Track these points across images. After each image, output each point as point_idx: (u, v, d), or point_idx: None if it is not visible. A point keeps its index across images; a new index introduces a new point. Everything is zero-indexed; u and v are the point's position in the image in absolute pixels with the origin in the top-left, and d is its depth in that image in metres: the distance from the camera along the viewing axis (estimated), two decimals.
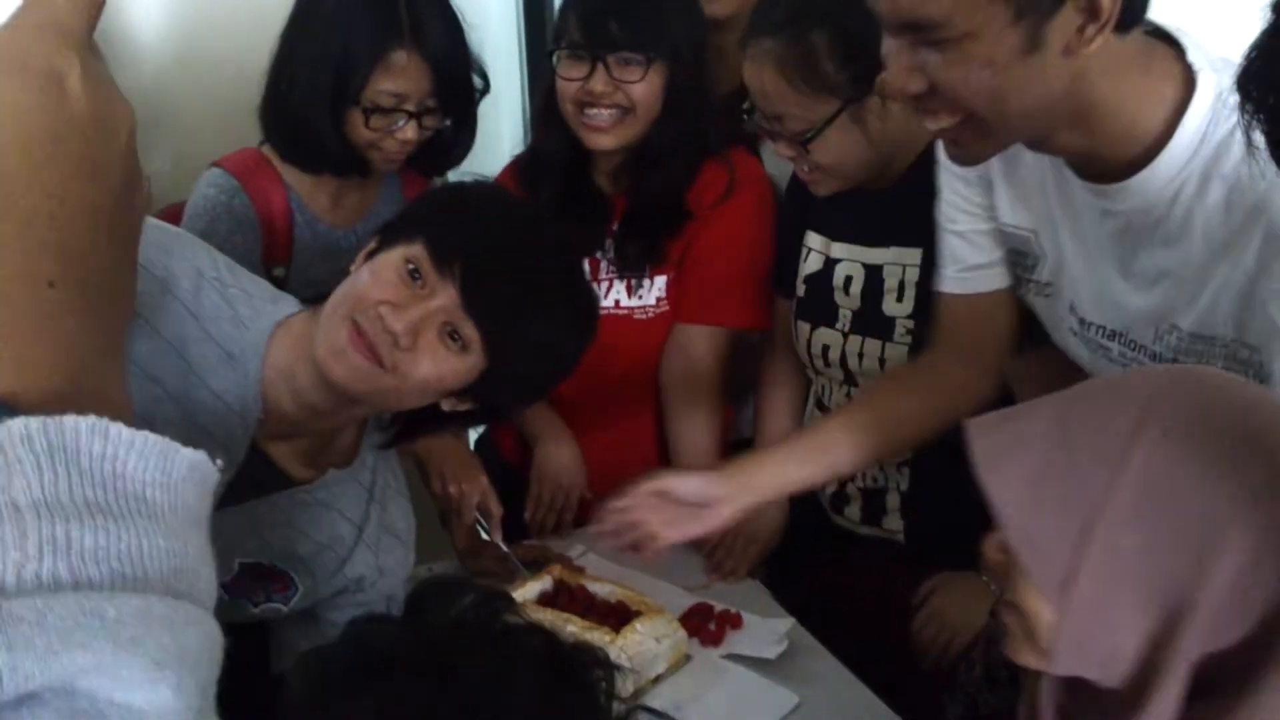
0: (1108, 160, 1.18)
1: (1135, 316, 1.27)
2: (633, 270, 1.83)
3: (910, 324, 1.66)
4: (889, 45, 1.14)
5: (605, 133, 1.73)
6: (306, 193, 1.77)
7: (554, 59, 1.75)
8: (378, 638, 0.81)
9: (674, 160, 1.78)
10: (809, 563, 1.86)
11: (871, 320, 1.70)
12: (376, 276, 1.16)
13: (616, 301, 1.86)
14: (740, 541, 1.83)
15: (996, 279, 1.43)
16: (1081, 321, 1.34)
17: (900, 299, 1.67)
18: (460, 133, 1.78)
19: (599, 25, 1.68)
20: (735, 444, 1.99)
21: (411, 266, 1.15)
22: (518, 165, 1.91)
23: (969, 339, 1.46)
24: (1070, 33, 1.06)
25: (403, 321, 1.12)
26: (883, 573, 1.78)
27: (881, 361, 1.69)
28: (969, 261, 1.44)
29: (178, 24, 2.48)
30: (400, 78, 1.63)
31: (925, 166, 1.63)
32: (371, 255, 1.20)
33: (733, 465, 1.49)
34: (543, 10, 3.40)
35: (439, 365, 1.15)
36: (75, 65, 0.48)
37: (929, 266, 1.63)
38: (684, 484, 1.43)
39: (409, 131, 1.66)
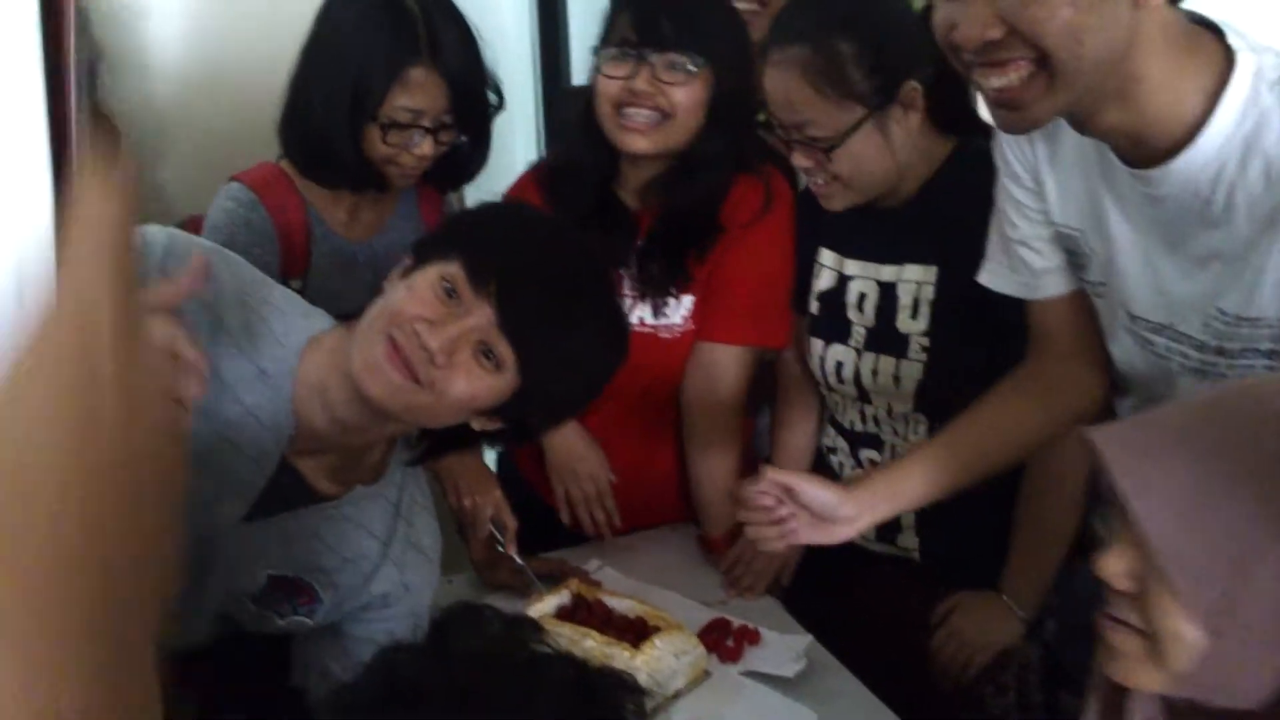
0: (1150, 141, 1.19)
1: (1183, 304, 1.27)
2: (658, 292, 1.82)
3: (925, 341, 1.66)
4: (953, 7, 1.15)
5: (642, 135, 1.72)
6: (323, 207, 1.79)
7: (597, 57, 1.75)
8: (405, 667, 0.80)
9: (710, 175, 1.78)
10: (823, 580, 1.85)
11: (885, 337, 1.69)
12: (413, 293, 1.16)
13: (640, 320, 1.85)
14: (759, 558, 1.82)
15: (1066, 282, 1.43)
16: (1131, 316, 1.35)
17: (915, 316, 1.67)
18: (475, 148, 1.79)
19: (651, 22, 1.69)
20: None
21: (448, 285, 1.16)
22: (541, 173, 1.91)
23: (1067, 340, 1.45)
24: None
25: (439, 339, 1.13)
26: (898, 591, 1.77)
27: (895, 379, 1.69)
28: (1035, 266, 1.44)
29: (199, 39, 2.50)
30: (417, 94, 1.64)
31: (938, 185, 1.65)
32: (408, 273, 1.21)
33: (860, 486, 1.48)
34: (557, 28, 3.42)
35: (473, 383, 1.16)
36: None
37: (945, 284, 1.64)
38: (814, 493, 1.42)
39: (425, 147, 1.68)
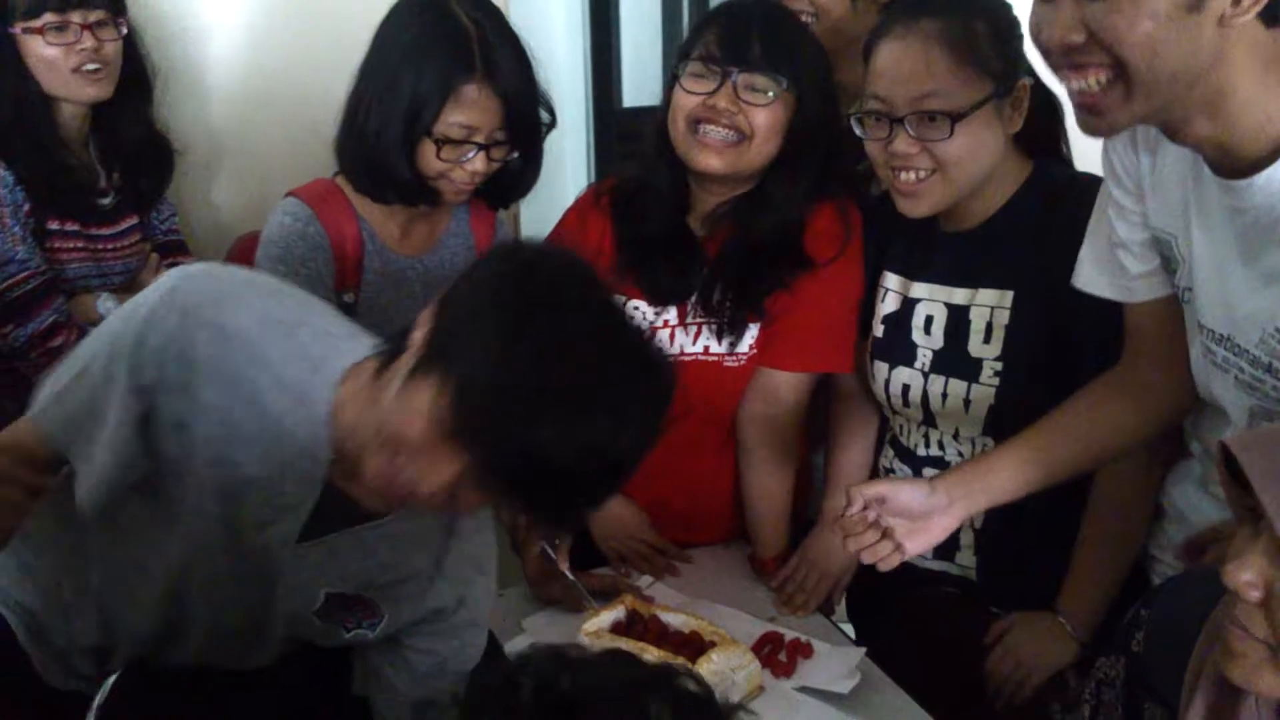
0: (1239, 155, 1.21)
1: (1245, 319, 1.28)
2: (729, 324, 1.81)
3: (998, 365, 1.64)
4: (1044, 9, 1.20)
5: (717, 154, 1.72)
6: (378, 223, 1.80)
7: (678, 72, 1.74)
8: None
9: (781, 209, 1.77)
10: (878, 600, 1.85)
11: (955, 361, 1.69)
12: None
13: (706, 348, 1.84)
14: (812, 574, 1.82)
15: (1161, 286, 1.45)
16: (1199, 324, 1.36)
17: (988, 340, 1.65)
18: (527, 165, 1.81)
19: (740, 40, 1.69)
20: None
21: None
22: (607, 194, 1.90)
23: (1161, 344, 1.46)
24: (1227, 2, 1.12)
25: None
26: (951, 611, 1.76)
27: (966, 403, 1.68)
28: (1132, 271, 1.45)
29: (258, 59, 2.54)
30: (471, 110, 1.66)
31: (1014, 209, 1.65)
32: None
33: (948, 474, 1.49)
34: (610, 49, 3.45)
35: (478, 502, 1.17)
36: None
37: (1020, 308, 1.63)
38: (905, 493, 1.43)
39: (478, 163, 1.69)
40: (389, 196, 1.77)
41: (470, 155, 1.68)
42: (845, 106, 1.78)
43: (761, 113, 1.70)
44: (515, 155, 1.74)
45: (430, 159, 1.68)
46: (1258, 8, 1.12)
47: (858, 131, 1.63)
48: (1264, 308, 1.26)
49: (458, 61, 1.65)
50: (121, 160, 2.16)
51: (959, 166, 1.57)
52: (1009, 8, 1.60)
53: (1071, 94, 1.22)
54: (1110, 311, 1.50)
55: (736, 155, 1.72)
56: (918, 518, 1.44)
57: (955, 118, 1.53)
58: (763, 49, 1.69)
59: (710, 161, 1.73)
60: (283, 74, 2.53)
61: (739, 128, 1.70)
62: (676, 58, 1.79)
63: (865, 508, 1.44)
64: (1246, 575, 0.92)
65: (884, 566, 1.47)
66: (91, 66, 2.07)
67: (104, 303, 2.09)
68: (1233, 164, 1.23)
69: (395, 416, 1.10)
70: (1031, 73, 1.61)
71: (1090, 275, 1.49)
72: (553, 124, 1.81)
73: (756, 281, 1.80)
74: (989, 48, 1.54)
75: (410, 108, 1.66)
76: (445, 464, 1.07)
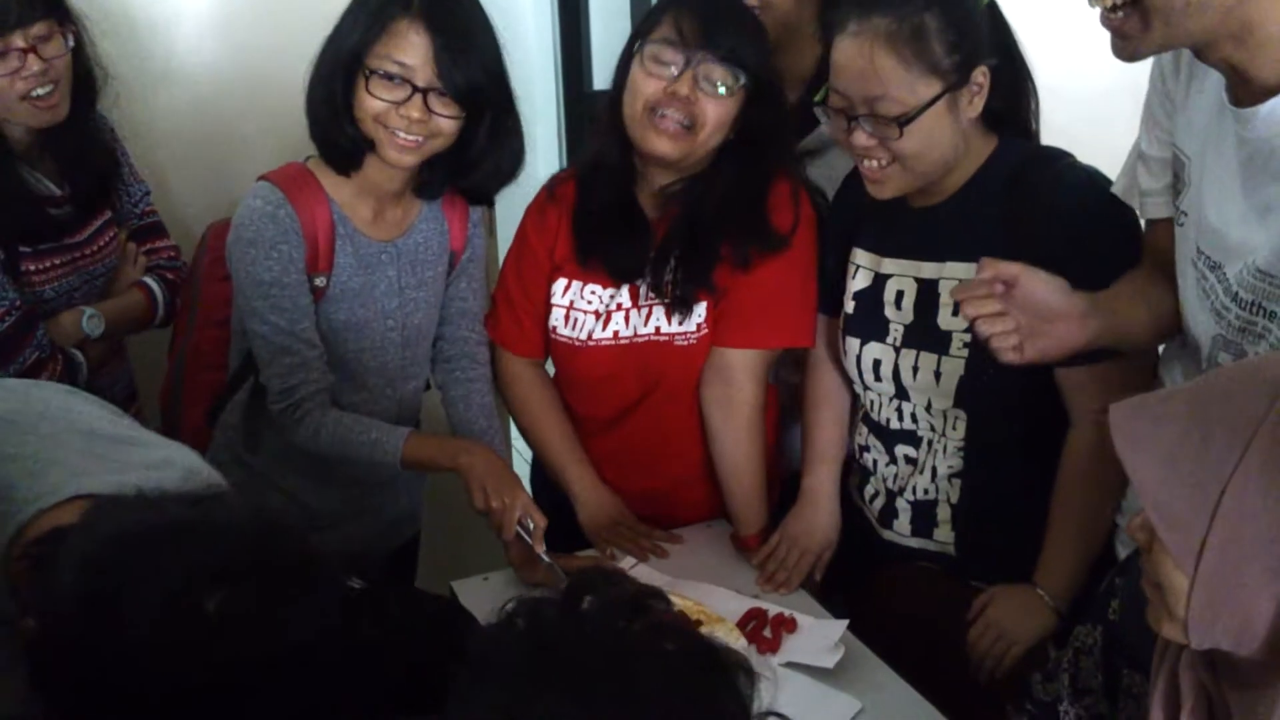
0: (1257, 84, 1.24)
1: (1234, 249, 1.32)
2: (678, 302, 1.84)
3: (967, 337, 1.66)
4: None
5: (671, 140, 1.73)
6: (349, 205, 1.81)
7: (636, 51, 1.74)
8: (546, 622, 0.87)
9: (738, 188, 1.79)
10: (859, 580, 1.86)
11: (925, 334, 1.71)
12: None
13: (657, 328, 1.87)
14: (793, 551, 1.84)
15: (1165, 208, 1.48)
16: (1197, 249, 1.39)
17: (957, 312, 1.66)
18: (492, 145, 1.79)
19: (706, 26, 1.69)
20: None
21: None
22: (577, 173, 1.92)
23: (1167, 261, 1.49)
24: None
25: None
26: (933, 586, 1.78)
27: (936, 375, 1.70)
28: (1143, 185, 1.49)
29: (227, 46, 2.52)
30: (403, 45, 1.65)
31: (980, 182, 1.66)
32: None
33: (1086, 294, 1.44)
34: (579, 34, 3.45)
35: None
36: None
37: None
38: (1039, 284, 1.38)
39: (414, 109, 1.66)
40: (337, 157, 1.76)
41: (405, 98, 1.66)
42: (787, 92, 1.82)
43: (713, 105, 1.72)
44: (463, 116, 1.72)
45: (365, 98, 1.67)
46: None
47: (821, 118, 1.65)
48: (1250, 241, 1.29)
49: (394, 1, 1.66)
50: (69, 165, 2.00)
51: (915, 158, 1.60)
52: None
53: (1100, 17, 1.26)
54: (1074, 285, 1.52)
55: (687, 143, 1.74)
56: (1045, 318, 1.38)
57: (903, 121, 1.55)
58: (727, 40, 1.70)
59: (664, 146, 1.74)
60: (254, 61, 2.52)
61: (693, 116, 1.72)
62: (633, 37, 1.78)
63: (994, 281, 1.38)
64: (1135, 521, 0.99)
65: (1004, 353, 1.39)
66: (42, 91, 1.86)
67: (89, 320, 1.99)
68: (1249, 92, 1.26)
69: None
70: (1003, 51, 1.63)
71: (1119, 182, 1.55)
72: (499, 94, 1.76)
73: (704, 258, 1.81)
74: (939, 44, 1.54)
75: (348, 49, 1.67)
76: None
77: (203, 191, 2.54)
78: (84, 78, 1.98)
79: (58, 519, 1.13)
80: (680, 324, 1.85)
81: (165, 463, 1.29)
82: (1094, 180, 1.63)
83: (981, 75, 1.58)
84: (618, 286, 1.87)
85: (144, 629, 0.92)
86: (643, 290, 1.86)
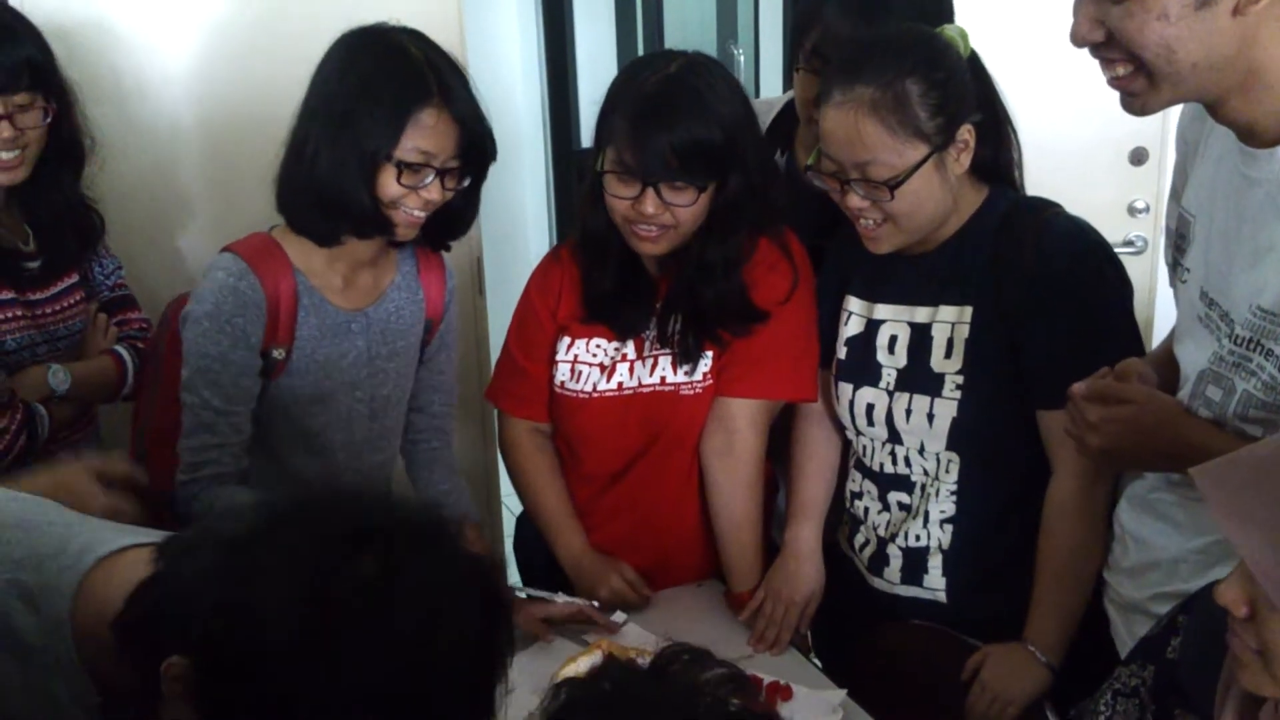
0: (1265, 131, 1.26)
1: (1238, 290, 1.32)
2: (684, 353, 1.84)
3: (960, 379, 1.68)
4: (1077, 3, 1.28)
5: (653, 243, 1.76)
6: (318, 274, 1.78)
7: (599, 162, 1.75)
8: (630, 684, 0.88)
9: (727, 265, 1.79)
10: (850, 632, 1.84)
11: (918, 377, 1.71)
12: None
13: (662, 378, 1.87)
14: (778, 606, 1.82)
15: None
16: (1205, 297, 1.39)
17: (949, 355, 1.69)
18: (467, 201, 1.80)
19: (652, 150, 1.68)
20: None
21: None
22: (575, 245, 1.91)
23: None
24: None
25: None
26: (927, 646, 1.76)
27: (930, 418, 1.70)
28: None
29: (198, 116, 2.52)
30: (430, 135, 1.66)
31: (971, 230, 1.69)
32: None
33: None
34: (566, 92, 3.48)
35: None
36: None
37: (979, 322, 1.66)
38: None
39: (434, 191, 1.69)
40: (342, 230, 1.74)
41: (427, 181, 1.68)
42: None
43: (684, 210, 1.72)
44: (467, 182, 1.74)
45: (389, 184, 1.67)
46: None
47: (815, 183, 1.67)
48: (1253, 281, 1.29)
49: (415, 88, 1.66)
50: (43, 227, 2.01)
51: (907, 217, 1.62)
52: (946, 51, 1.62)
53: (1106, 79, 1.29)
54: (1059, 330, 1.56)
55: (670, 238, 1.76)
56: None
57: (892, 185, 1.58)
58: (677, 155, 1.68)
59: (649, 248, 1.77)
60: (236, 128, 2.52)
61: (666, 224, 1.73)
62: (596, 133, 1.78)
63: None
64: (1232, 593, 0.96)
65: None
66: (7, 154, 1.88)
67: (55, 376, 1.98)
68: (1259, 139, 1.27)
69: None
70: (986, 103, 1.65)
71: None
72: (494, 155, 1.79)
73: (709, 312, 1.82)
74: (923, 109, 1.56)
75: (369, 137, 1.65)
76: None
77: (176, 261, 2.55)
78: (71, 146, 1.99)
79: (118, 574, 1.07)
80: (687, 374, 1.85)
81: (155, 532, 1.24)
82: (1080, 230, 1.66)
83: (967, 133, 1.61)
84: (623, 340, 1.88)
85: (294, 613, 0.89)
86: (648, 342, 1.87)
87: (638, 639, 1.79)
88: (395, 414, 1.92)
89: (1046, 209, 1.69)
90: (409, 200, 1.69)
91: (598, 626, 1.83)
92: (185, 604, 0.94)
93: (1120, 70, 1.26)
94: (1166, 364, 1.51)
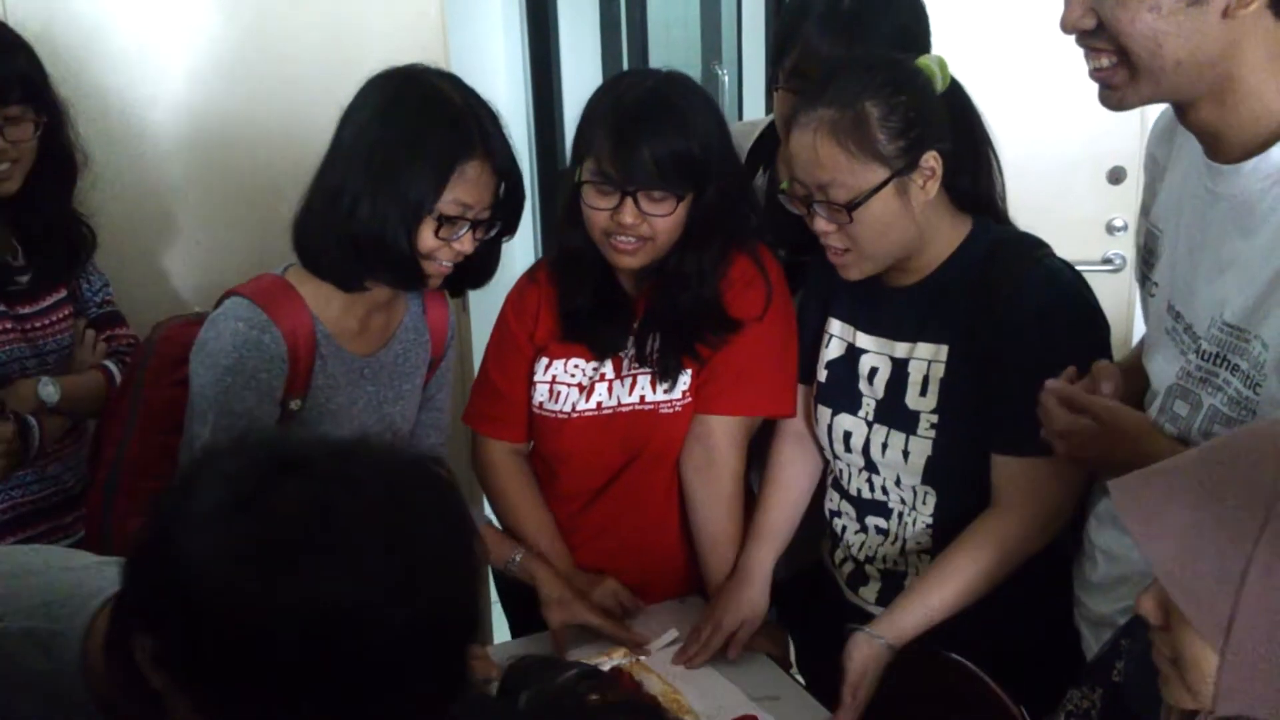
0: (1232, 143, 1.28)
1: (1202, 304, 1.34)
2: (663, 371, 1.85)
3: (935, 419, 1.67)
4: None
5: (631, 255, 1.76)
6: (334, 319, 1.73)
7: (576, 176, 1.76)
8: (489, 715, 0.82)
9: (701, 276, 1.80)
10: (834, 646, 1.85)
11: (895, 413, 1.71)
12: None
13: (642, 397, 1.87)
14: (707, 629, 1.83)
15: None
16: (1172, 311, 1.41)
17: (924, 393, 1.69)
18: (491, 248, 1.77)
19: (633, 159, 1.69)
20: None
21: None
22: (552, 265, 1.92)
23: None
24: None
25: None
26: (906, 659, 1.76)
27: (905, 454, 1.71)
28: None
29: (197, 132, 2.52)
30: (472, 188, 1.63)
31: (952, 265, 1.68)
32: None
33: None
34: (552, 111, 3.50)
35: None
36: None
37: (954, 362, 1.66)
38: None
39: (466, 242, 1.66)
40: (375, 278, 1.70)
41: (461, 233, 1.65)
42: None
43: (662, 220, 1.73)
44: (496, 230, 1.72)
45: (427, 237, 1.63)
46: (1261, 1, 1.19)
47: (787, 205, 1.68)
48: (1217, 295, 1.31)
49: (460, 141, 1.62)
50: (33, 241, 2.02)
51: (871, 243, 1.62)
52: (913, 77, 1.61)
53: (1089, 70, 1.30)
54: (1016, 381, 1.55)
55: (648, 252, 1.76)
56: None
57: (850, 206, 1.58)
58: (657, 164, 1.70)
59: (627, 261, 1.78)
60: (223, 147, 2.52)
61: (643, 235, 1.74)
62: (574, 147, 1.79)
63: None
64: (1149, 603, 0.98)
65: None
66: None
67: (45, 388, 1.97)
68: (1226, 151, 1.29)
69: None
70: (965, 132, 1.65)
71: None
72: (522, 205, 1.78)
73: (686, 329, 1.83)
74: (882, 132, 1.56)
75: (413, 189, 1.61)
76: None
77: (171, 279, 2.55)
78: (62, 161, 2.01)
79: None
80: (666, 392, 1.86)
81: None
82: (1055, 281, 1.63)
83: (933, 159, 1.59)
84: (601, 359, 1.88)
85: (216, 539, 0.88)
86: (626, 361, 1.88)
87: (658, 663, 1.79)
88: None
89: (1031, 252, 1.66)
90: (442, 252, 1.66)
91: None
92: (135, 580, 0.95)
93: (1104, 61, 1.27)
94: (1137, 370, 1.53)
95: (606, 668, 1.64)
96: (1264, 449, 0.94)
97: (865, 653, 1.63)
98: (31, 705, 1.08)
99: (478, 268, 1.77)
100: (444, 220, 1.63)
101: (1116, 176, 2.71)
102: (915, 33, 1.83)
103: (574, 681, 0.83)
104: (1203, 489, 0.94)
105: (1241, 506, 0.91)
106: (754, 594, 1.85)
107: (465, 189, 1.63)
